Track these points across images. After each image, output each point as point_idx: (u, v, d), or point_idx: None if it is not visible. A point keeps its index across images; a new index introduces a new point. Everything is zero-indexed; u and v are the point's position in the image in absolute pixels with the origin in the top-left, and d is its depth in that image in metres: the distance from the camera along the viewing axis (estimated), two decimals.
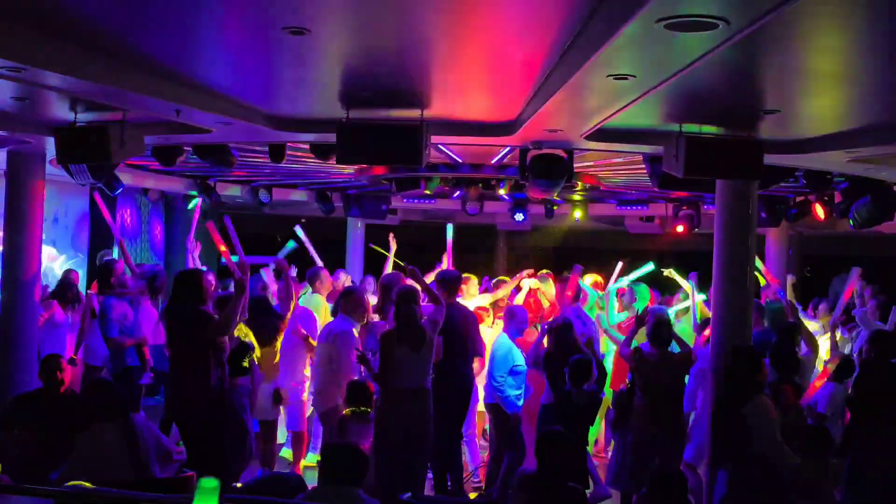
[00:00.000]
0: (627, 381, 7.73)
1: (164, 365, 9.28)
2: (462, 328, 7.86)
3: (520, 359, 8.04)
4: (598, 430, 9.52)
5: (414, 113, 6.17)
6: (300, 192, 13.42)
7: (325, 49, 4.96)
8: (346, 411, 7.08)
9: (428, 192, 10.47)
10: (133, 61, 5.17)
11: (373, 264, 12.31)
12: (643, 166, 7.92)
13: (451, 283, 8.07)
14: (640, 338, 7.84)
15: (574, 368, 7.12)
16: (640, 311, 8.36)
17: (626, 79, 4.74)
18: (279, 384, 8.06)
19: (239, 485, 6.28)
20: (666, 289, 11.36)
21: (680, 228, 12.96)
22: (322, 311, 9.21)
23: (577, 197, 13.03)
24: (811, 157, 7.08)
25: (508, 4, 4.06)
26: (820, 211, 10.30)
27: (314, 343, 8.30)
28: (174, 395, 6.97)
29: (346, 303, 7.92)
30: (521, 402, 7.97)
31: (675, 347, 7.69)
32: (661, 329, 7.52)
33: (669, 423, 7.35)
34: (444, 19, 4.34)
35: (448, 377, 7.55)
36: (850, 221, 8.97)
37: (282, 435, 8.82)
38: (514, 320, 8.26)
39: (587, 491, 6.52)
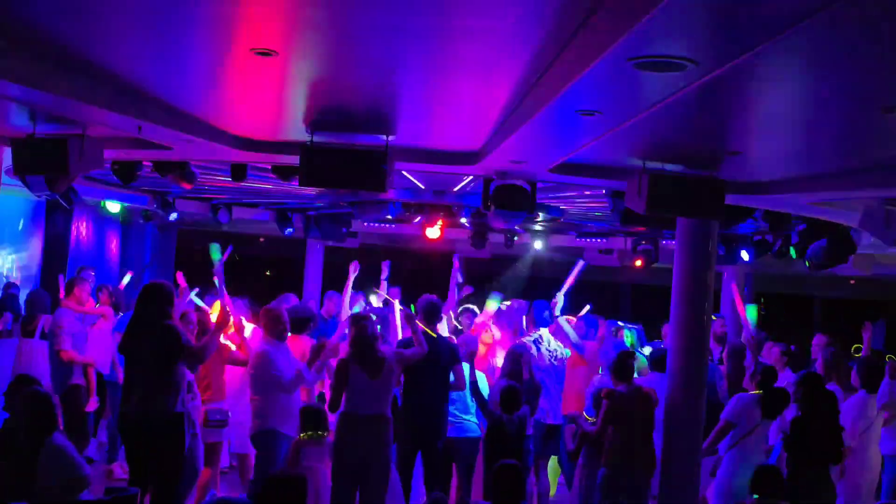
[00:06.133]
0: (588, 416, 7.61)
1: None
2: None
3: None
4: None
5: (379, 139, 6.14)
6: (260, 210, 13.31)
7: (292, 72, 4.93)
8: (301, 435, 6.95)
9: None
10: (96, 76, 5.09)
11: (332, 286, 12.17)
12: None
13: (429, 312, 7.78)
14: None
15: (504, 395, 7.15)
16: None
17: (592, 115, 4.75)
18: (224, 405, 7.83)
19: None
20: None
21: (638, 262, 13.04)
22: None
23: (538, 228, 13.07)
24: (771, 198, 7.15)
25: (477, 38, 4.05)
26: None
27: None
28: (132, 410, 6.51)
29: (266, 323, 7.45)
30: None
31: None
32: (627, 363, 7.39)
33: (643, 458, 7.21)
34: (412, 49, 4.33)
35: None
36: (806, 263, 9.04)
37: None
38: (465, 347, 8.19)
39: None
